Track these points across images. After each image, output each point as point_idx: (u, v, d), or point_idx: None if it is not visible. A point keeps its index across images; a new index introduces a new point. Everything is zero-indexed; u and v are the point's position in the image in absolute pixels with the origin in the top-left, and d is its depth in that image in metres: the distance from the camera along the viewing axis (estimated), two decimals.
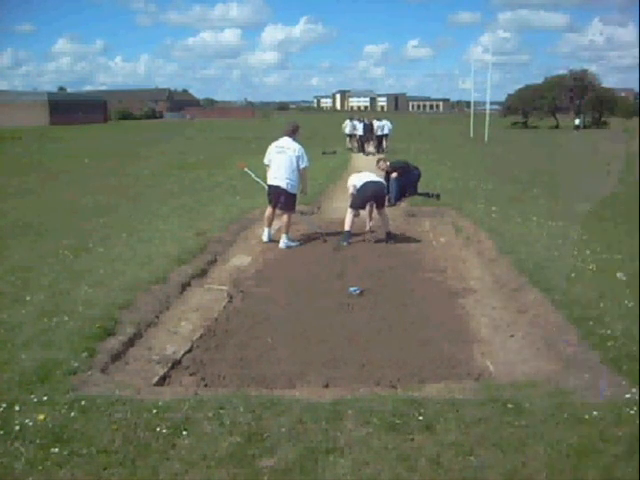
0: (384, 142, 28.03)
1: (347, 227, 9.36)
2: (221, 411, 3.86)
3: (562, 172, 18.56)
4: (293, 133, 9.27)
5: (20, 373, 4.37)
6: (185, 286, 6.99)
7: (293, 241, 9.33)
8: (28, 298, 6.13)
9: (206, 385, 4.59)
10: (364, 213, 9.98)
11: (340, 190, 14.80)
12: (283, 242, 9.14)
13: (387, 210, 9.90)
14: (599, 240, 8.63)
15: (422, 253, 8.85)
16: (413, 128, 54.13)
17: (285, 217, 9.20)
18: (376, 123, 28.25)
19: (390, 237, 9.43)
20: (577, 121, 60.54)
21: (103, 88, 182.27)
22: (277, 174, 9.10)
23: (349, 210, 9.44)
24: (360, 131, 28.11)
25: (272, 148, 9.27)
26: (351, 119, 30.01)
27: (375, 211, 9.78)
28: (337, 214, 11.59)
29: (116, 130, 55.44)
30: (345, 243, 9.20)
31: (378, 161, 12.74)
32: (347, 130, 29.63)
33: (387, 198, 10.68)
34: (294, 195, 9.25)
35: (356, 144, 28.54)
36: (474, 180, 15.86)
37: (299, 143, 9.22)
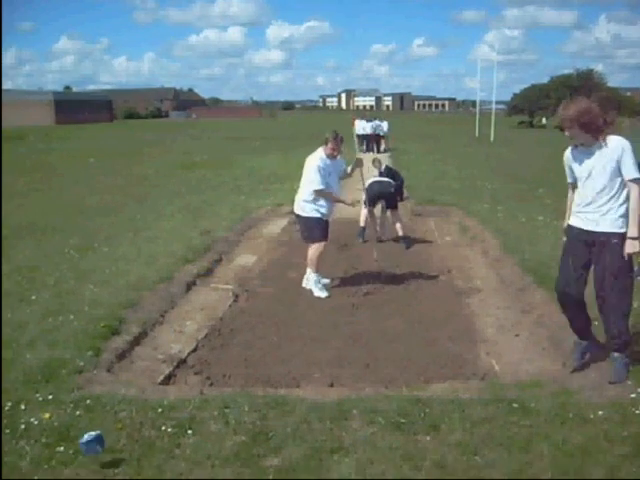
0: (382, 142, 27.99)
1: (362, 223, 9.42)
2: (226, 410, 3.86)
3: None
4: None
5: (26, 372, 4.38)
6: (190, 285, 7.00)
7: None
8: (34, 297, 6.15)
9: (211, 384, 4.60)
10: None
11: (346, 189, 14.80)
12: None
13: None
14: None
15: (427, 252, 8.84)
16: (418, 128, 54.08)
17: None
18: (376, 123, 28.17)
19: (405, 240, 9.21)
20: None
21: (107, 87, 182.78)
22: None
23: (363, 207, 9.45)
24: (368, 130, 28.06)
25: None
26: (360, 118, 29.88)
27: (389, 214, 9.68)
28: (337, 214, 11.59)
29: (122, 129, 55.52)
30: (360, 239, 9.32)
31: (373, 161, 12.57)
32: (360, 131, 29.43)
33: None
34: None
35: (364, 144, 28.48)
36: (480, 180, 15.84)
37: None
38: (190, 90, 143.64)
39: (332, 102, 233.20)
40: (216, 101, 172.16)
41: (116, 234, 9.27)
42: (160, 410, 3.86)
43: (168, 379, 4.71)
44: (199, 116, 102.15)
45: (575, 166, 4.37)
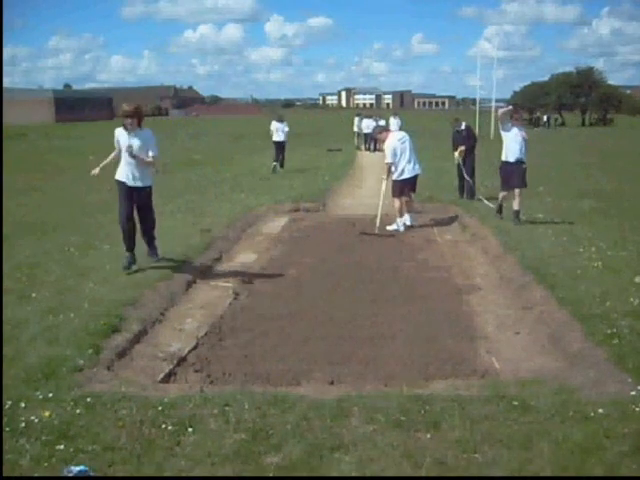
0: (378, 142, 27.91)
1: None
2: (226, 408, 3.86)
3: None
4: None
5: (26, 370, 4.38)
6: (191, 283, 7.00)
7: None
8: (34, 295, 6.15)
9: (211, 382, 4.59)
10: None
11: (346, 186, 14.83)
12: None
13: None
14: (604, 237, 8.59)
15: (427, 250, 8.83)
16: (418, 125, 53.99)
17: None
18: (368, 121, 28.11)
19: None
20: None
21: (106, 85, 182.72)
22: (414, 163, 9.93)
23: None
24: (370, 129, 28.06)
25: (395, 143, 9.74)
26: (360, 115, 29.98)
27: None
28: (341, 212, 11.61)
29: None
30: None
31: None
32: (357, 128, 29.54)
33: None
34: None
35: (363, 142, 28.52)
36: (479, 177, 15.79)
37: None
38: (190, 88, 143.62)
39: (332, 100, 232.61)
40: (216, 99, 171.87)
41: (116, 232, 9.20)
42: (160, 408, 3.86)
43: (168, 377, 4.71)
44: (198, 114, 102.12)
45: (121, 141, 7.19)
